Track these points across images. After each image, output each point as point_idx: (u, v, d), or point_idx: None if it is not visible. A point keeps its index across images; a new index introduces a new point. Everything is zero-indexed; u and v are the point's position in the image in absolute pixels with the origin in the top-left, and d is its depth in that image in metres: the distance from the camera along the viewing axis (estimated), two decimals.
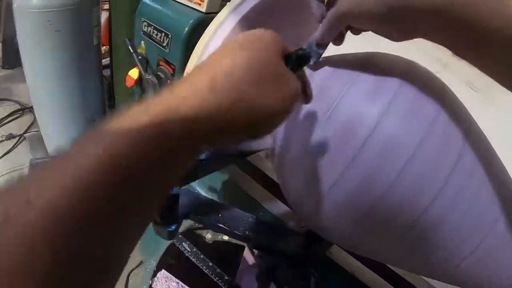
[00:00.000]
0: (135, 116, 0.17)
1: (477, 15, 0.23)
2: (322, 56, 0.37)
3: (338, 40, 0.36)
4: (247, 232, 0.48)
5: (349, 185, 0.35)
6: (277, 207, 0.63)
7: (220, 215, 0.49)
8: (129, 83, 0.71)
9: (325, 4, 0.36)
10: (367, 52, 0.40)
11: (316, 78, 0.39)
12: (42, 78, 1.12)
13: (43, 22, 0.99)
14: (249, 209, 0.65)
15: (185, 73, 0.46)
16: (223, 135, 0.21)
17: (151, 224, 0.49)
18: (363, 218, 0.36)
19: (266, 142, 0.45)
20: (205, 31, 0.44)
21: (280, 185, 0.47)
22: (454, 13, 0.24)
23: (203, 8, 0.57)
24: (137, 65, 0.69)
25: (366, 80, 0.36)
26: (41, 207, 0.14)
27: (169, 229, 0.47)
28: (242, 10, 0.43)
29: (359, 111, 0.35)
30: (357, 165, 0.34)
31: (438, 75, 0.39)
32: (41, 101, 1.20)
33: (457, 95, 0.39)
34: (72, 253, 0.14)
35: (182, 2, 0.60)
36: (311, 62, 0.37)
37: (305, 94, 0.34)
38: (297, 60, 0.30)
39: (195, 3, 0.57)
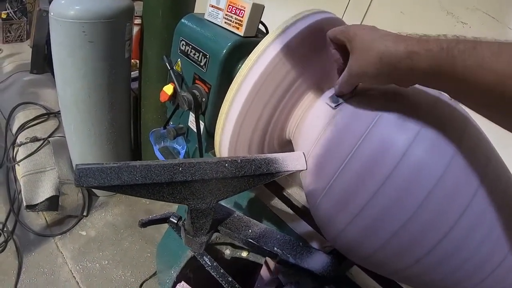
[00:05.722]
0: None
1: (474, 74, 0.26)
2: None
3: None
4: (275, 248, 0.50)
5: (377, 210, 0.37)
6: (301, 227, 0.65)
7: (250, 230, 0.51)
8: (163, 98, 0.74)
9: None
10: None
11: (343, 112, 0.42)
12: (72, 86, 1.17)
13: (78, 32, 1.04)
14: (274, 227, 0.67)
15: (226, 99, 0.48)
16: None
17: (179, 236, 0.51)
18: (387, 241, 0.37)
19: (300, 164, 0.47)
20: (249, 57, 0.47)
21: (309, 206, 0.49)
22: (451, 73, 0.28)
23: (241, 32, 0.59)
24: (172, 82, 0.71)
25: (394, 112, 0.39)
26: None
27: (200, 241, 0.49)
28: (284, 38, 0.46)
29: (389, 139, 0.37)
30: (386, 191, 0.36)
31: None
32: (68, 108, 1.24)
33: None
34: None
35: (221, 25, 0.63)
36: (333, 106, 0.45)
37: None
38: None
39: (233, 26, 0.60)
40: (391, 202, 0.36)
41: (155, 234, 1.40)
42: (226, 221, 0.51)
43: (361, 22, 1.11)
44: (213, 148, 0.57)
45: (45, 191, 1.29)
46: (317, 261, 0.51)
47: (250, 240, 0.49)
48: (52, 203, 1.31)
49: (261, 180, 0.45)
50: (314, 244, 0.64)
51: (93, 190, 1.48)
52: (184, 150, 0.78)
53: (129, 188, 0.35)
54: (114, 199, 1.55)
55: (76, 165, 0.34)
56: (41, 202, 1.28)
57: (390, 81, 0.35)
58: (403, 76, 0.33)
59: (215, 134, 0.52)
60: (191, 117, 0.73)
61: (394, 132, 0.37)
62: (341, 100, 0.45)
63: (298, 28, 0.46)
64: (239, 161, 0.42)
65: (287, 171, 0.46)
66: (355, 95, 0.44)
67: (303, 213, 0.66)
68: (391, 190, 0.36)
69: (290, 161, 0.46)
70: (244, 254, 0.77)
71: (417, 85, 0.35)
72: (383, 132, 0.38)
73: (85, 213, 1.41)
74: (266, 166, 0.44)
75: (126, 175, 0.35)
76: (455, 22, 0.90)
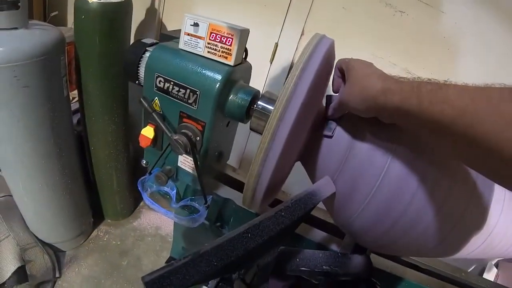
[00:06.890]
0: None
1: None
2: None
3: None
4: (324, 267, 0.51)
5: (378, 205, 0.43)
6: (318, 235, 0.68)
7: (297, 259, 0.51)
8: (144, 143, 0.67)
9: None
10: None
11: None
12: (13, 141, 1.02)
13: (10, 78, 0.90)
14: (297, 244, 0.68)
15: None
16: None
17: None
18: (388, 229, 0.44)
19: (330, 188, 0.48)
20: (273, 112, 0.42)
21: (339, 219, 0.51)
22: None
23: (231, 62, 0.55)
24: (151, 123, 0.66)
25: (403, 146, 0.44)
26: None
27: None
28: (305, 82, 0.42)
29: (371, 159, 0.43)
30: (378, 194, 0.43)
31: None
32: (12, 167, 1.08)
33: None
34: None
35: (203, 55, 0.58)
36: (330, 134, 0.50)
37: None
38: None
39: (220, 56, 0.56)
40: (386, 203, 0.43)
41: (138, 273, 1.32)
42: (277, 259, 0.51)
43: (306, 18, 1.14)
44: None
45: (9, 265, 1.11)
46: (357, 264, 0.54)
47: (302, 268, 0.50)
48: (20, 275, 1.14)
49: (307, 214, 0.45)
50: (334, 247, 0.68)
51: (56, 245, 1.33)
52: (174, 191, 0.74)
53: (208, 277, 0.33)
54: (82, 249, 1.41)
55: (142, 278, 0.29)
56: (9, 279, 1.11)
57: (369, 115, 0.39)
58: (379, 111, 0.37)
59: (249, 176, 0.48)
60: (181, 157, 0.69)
61: (408, 166, 0.42)
62: (334, 126, 0.49)
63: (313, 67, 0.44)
64: (290, 204, 0.42)
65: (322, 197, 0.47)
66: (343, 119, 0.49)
67: (315, 223, 0.71)
68: (414, 210, 0.42)
69: (323, 188, 0.47)
70: None
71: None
72: (399, 168, 0.42)
73: (57, 275, 1.26)
74: (311, 201, 0.45)
75: (204, 266, 0.32)
76: (393, 12, 0.99)
